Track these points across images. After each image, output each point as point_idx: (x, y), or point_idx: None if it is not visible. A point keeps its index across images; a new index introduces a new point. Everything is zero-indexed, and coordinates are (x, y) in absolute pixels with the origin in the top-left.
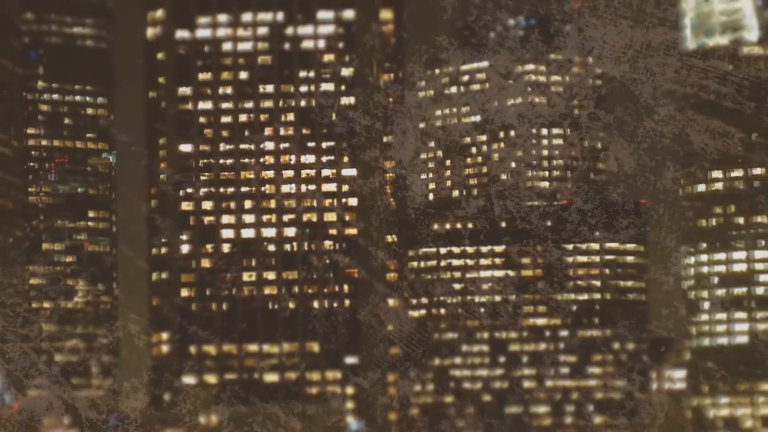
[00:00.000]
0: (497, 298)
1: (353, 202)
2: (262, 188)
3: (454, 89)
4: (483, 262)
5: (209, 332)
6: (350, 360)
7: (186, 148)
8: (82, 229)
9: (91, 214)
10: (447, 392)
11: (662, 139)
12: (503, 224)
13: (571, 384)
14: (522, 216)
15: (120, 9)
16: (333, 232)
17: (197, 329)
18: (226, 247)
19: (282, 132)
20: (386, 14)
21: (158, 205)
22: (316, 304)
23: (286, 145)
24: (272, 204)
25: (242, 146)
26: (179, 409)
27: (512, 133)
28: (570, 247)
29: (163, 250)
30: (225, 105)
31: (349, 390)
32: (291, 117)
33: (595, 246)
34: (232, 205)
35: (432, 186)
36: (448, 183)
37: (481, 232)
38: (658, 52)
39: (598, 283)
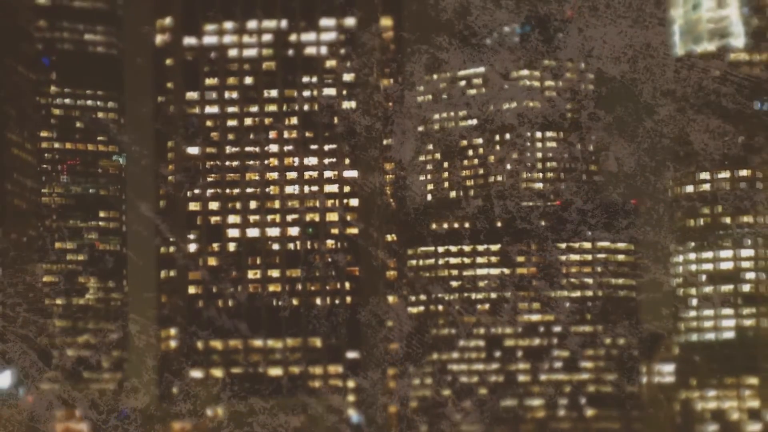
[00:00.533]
0: (493, 295)
1: (354, 202)
2: (267, 189)
3: (452, 92)
4: (479, 260)
5: (209, 332)
6: (351, 354)
7: (193, 150)
8: (93, 228)
9: (102, 214)
10: (444, 386)
11: (662, 139)
12: (499, 224)
13: (564, 378)
14: (522, 216)
15: (130, 17)
16: (335, 231)
17: (197, 329)
18: (231, 246)
19: (286, 135)
20: (386, 22)
21: (166, 205)
22: (318, 301)
23: (290, 147)
24: (276, 204)
25: (247, 149)
26: (179, 409)
27: (507, 135)
28: (563, 246)
29: (171, 248)
30: (231, 109)
31: (350, 383)
32: (294, 121)
33: (588, 245)
34: (238, 205)
35: (430, 187)
36: (446, 184)
37: (481, 232)
38: (658, 52)
39: (591, 281)
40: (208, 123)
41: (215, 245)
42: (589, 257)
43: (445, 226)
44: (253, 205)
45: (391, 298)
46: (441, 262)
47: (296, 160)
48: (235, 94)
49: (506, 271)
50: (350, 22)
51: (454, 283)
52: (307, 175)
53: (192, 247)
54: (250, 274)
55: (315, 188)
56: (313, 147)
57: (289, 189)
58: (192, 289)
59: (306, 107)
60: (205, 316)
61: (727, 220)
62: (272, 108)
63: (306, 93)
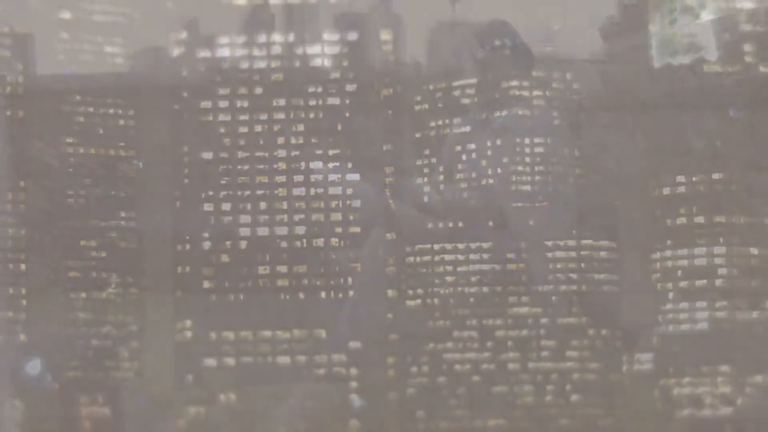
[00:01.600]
0: (485, 290)
1: (356, 203)
2: (275, 191)
3: (448, 99)
4: (473, 257)
5: (222, 323)
6: (353, 344)
7: (207, 155)
8: (113, 227)
9: (122, 214)
10: (440, 374)
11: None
12: (491, 223)
13: (551, 366)
14: (514, 216)
15: (147, 30)
16: (338, 230)
17: (210, 321)
18: (243, 244)
19: (293, 141)
20: (386, 36)
21: (182, 206)
22: (323, 295)
23: (296, 153)
24: (284, 205)
25: (257, 154)
26: (193, 396)
27: (498, 141)
28: (550, 243)
29: (187, 246)
30: (242, 117)
31: (353, 371)
32: (301, 128)
33: (573, 242)
34: (248, 206)
35: (427, 189)
36: (442, 186)
37: (475, 231)
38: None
39: (575, 276)
40: (221, 129)
41: (227, 243)
42: (574, 254)
43: (441, 225)
44: (262, 206)
45: (390, 293)
46: (437, 258)
47: (302, 164)
48: (245, 103)
49: (497, 267)
50: (353, 36)
51: (449, 279)
52: (312, 178)
53: (206, 245)
54: (260, 270)
55: (320, 190)
56: (318, 152)
57: (296, 191)
58: (206, 284)
59: (311, 115)
60: (218, 309)
61: (701, 219)
62: (280, 116)
63: (311, 102)
